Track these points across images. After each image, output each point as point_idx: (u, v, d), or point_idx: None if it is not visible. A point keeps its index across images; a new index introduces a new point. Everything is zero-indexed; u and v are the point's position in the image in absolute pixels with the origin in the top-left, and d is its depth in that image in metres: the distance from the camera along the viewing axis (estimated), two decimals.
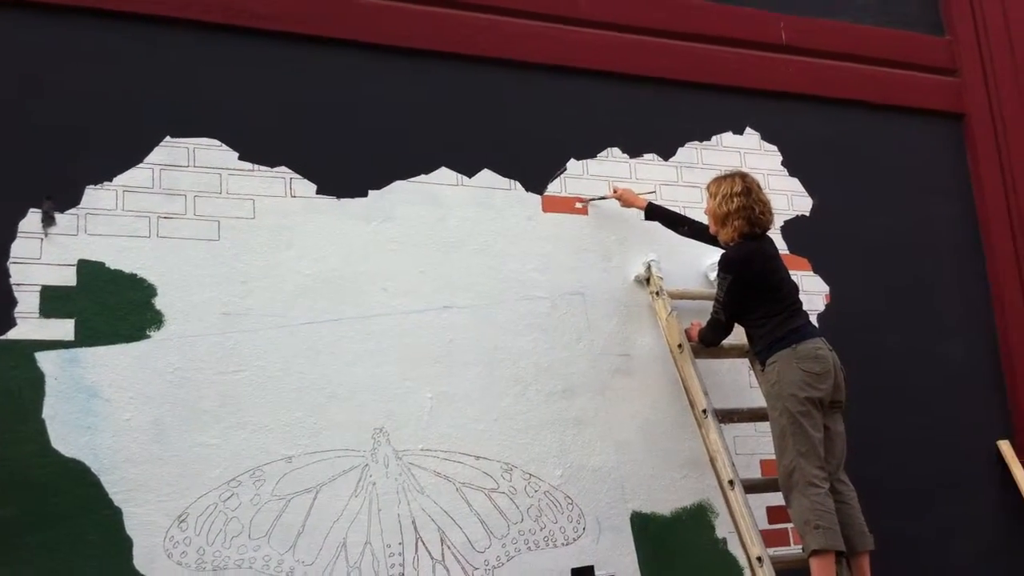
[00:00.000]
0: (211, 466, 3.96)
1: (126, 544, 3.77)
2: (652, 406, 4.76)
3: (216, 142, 4.29)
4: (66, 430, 3.80)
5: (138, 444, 3.88)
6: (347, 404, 4.23)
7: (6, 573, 3.61)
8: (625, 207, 4.91)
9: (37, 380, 3.80)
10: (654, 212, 4.86)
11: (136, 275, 4.04)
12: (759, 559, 4.18)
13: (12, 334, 3.82)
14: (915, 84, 5.97)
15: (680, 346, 4.68)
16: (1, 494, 3.67)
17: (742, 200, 4.43)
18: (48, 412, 3.79)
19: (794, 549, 4.63)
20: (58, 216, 3.98)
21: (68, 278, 3.93)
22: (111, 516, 3.78)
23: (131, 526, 3.80)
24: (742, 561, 4.57)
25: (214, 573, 3.86)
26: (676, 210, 4.95)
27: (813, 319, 4.83)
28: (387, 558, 4.12)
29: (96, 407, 3.86)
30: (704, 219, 4.68)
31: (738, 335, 4.59)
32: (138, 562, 3.77)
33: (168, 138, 4.21)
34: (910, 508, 5.20)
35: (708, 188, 4.61)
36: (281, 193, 4.36)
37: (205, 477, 3.95)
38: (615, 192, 4.91)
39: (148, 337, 4.00)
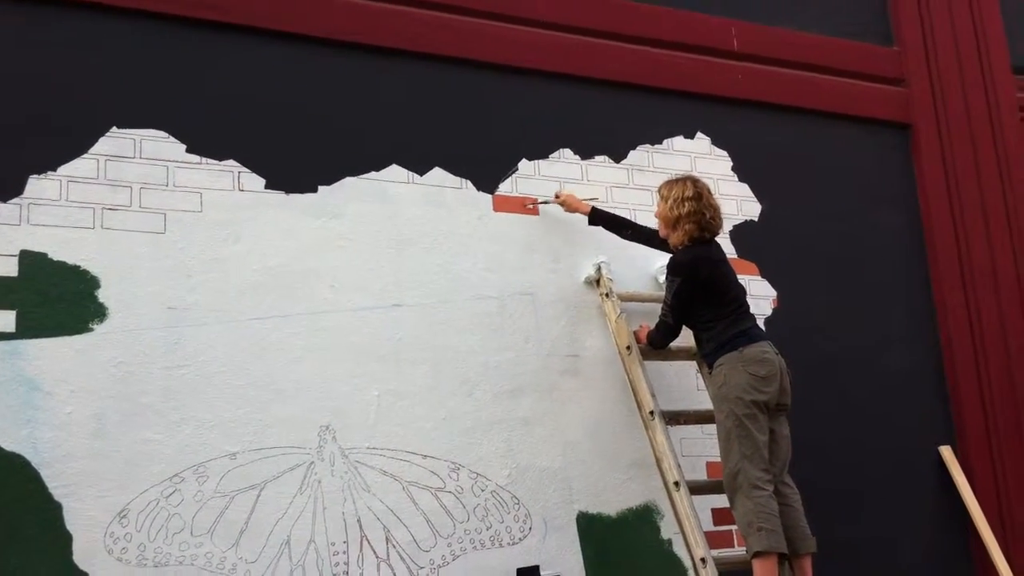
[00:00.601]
0: (153, 462, 3.91)
1: (65, 539, 3.71)
2: (600, 407, 4.77)
3: (163, 134, 4.24)
4: (6, 423, 3.73)
5: (79, 438, 3.82)
6: (293, 401, 4.19)
7: None
8: (568, 212, 4.91)
9: None
10: (597, 217, 4.87)
11: (79, 267, 3.97)
12: (703, 560, 4.20)
13: None
14: (864, 94, 6.04)
15: (629, 348, 4.70)
16: None
17: (693, 205, 4.46)
18: None
19: (738, 551, 4.65)
20: (0, 206, 3.91)
21: (10, 268, 3.86)
22: (51, 511, 3.72)
23: (71, 521, 3.73)
24: (686, 562, 4.60)
25: (155, 570, 3.81)
26: (626, 213, 4.98)
27: (760, 323, 4.86)
28: (331, 556, 4.09)
29: (37, 400, 3.79)
30: (655, 222, 4.70)
31: (686, 337, 4.62)
32: (78, 558, 3.71)
33: (114, 129, 4.15)
34: (853, 512, 5.25)
35: (659, 191, 4.64)
36: (229, 187, 4.32)
37: (147, 473, 3.89)
38: (557, 197, 4.91)
39: (91, 330, 3.94)
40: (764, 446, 4.21)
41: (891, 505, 5.41)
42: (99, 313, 3.97)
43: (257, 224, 4.33)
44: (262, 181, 4.38)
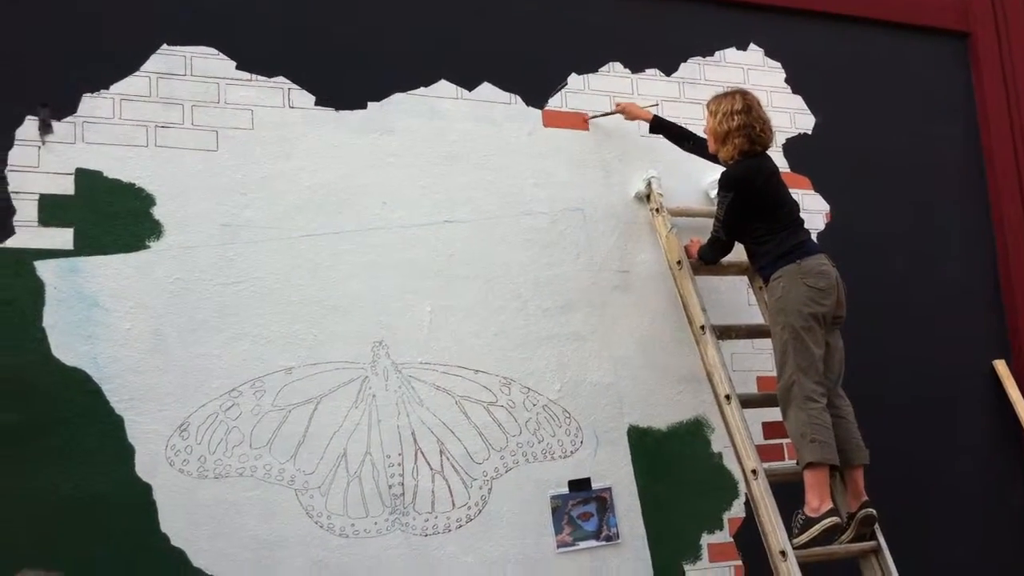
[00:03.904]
0: (211, 376, 3.98)
1: (128, 452, 3.80)
2: (650, 322, 4.77)
3: (213, 51, 4.23)
4: (67, 339, 3.80)
5: (139, 353, 3.89)
6: (347, 317, 4.23)
7: (6, 480, 3.64)
8: (629, 120, 4.86)
9: (37, 289, 3.80)
10: (659, 125, 4.82)
11: (134, 184, 4.01)
12: (754, 472, 4.22)
13: (11, 242, 3.80)
14: (921, 1, 5.89)
15: (679, 263, 4.68)
16: (1, 401, 3.68)
17: (743, 118, 4.40)
18: (48, 321, 3.79)
19: (788, 463, 4.67)
20: (55, 124, 3.94)
21: (66, 187, 3.91)
22: (113, 424, 3.80)
23: (132, 434, 3.82)
24: (737, 474, 4.63)
25: (216, 481, 3.90)
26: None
27: (813, 237, 4.81)
28: (387, 468, 4.15)
29: (96, 316, 3.86)
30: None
31: (738, 252, 4.58)
32: (140, 469, 3.81)
33: (165, 46, 4.16)
34: (905, 425, 5.24)
35: (708, 106, 4.58)
36: (279, 104, 4.32)
37: (206, 387, 3.96)
38: (618, 106, 4.87)
39: (147, 247, 3.99)
40: (820, 359, 4.19)
41: (944, 419, 5.40)
42: (155, 230, 4.01)
43: (308, 141, 4.33)
44: (312, 98, 4.38)
